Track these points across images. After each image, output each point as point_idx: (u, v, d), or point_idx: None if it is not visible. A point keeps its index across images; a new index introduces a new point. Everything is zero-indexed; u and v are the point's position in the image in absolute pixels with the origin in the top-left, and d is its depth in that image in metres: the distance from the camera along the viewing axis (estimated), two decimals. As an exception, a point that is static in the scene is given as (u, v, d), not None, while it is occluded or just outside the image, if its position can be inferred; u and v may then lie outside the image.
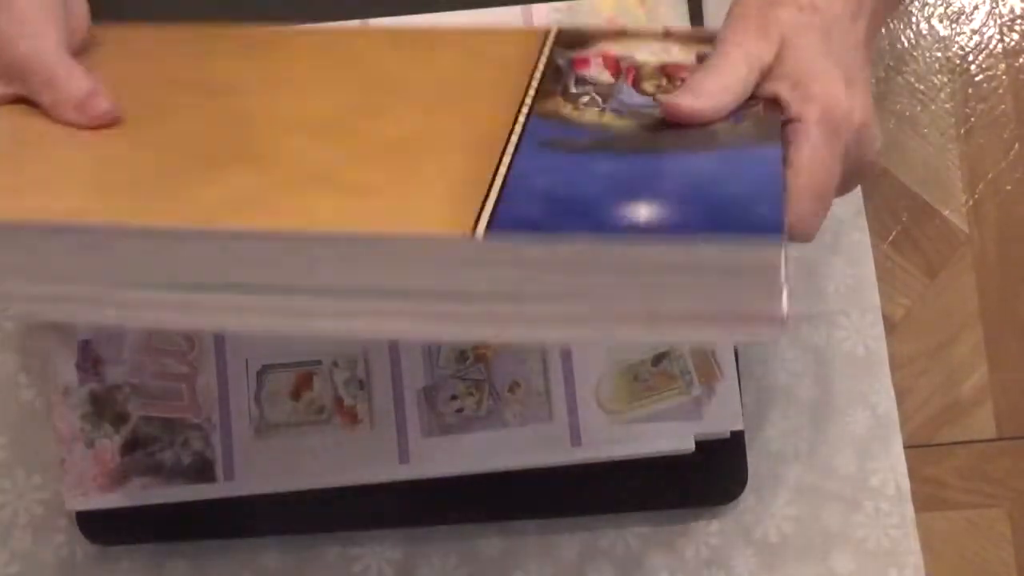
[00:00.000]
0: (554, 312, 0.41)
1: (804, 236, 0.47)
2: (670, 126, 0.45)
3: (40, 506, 0.66)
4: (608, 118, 0.46)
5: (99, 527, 0.65)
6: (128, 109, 0.48)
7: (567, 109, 0.47)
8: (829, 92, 0.46)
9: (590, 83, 0.49)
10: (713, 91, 0.46)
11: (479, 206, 0.39)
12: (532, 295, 0.40)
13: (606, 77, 0.49)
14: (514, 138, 0.44)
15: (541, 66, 0.49)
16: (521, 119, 0.46)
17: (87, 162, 0.47)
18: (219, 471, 0.63)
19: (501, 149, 0.43)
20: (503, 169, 0.42)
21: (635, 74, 0.49)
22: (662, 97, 0.46)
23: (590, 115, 0.46)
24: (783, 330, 0.40)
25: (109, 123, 0.48)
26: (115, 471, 0.63)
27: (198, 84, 0.50)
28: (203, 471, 0.63)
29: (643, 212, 0.39)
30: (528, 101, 0.47)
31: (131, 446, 0.63)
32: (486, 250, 0.39)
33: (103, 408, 0.64)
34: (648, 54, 0.50)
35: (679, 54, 0.50)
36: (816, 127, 0.46)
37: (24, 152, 0.47)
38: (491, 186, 0.41)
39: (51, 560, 0.66)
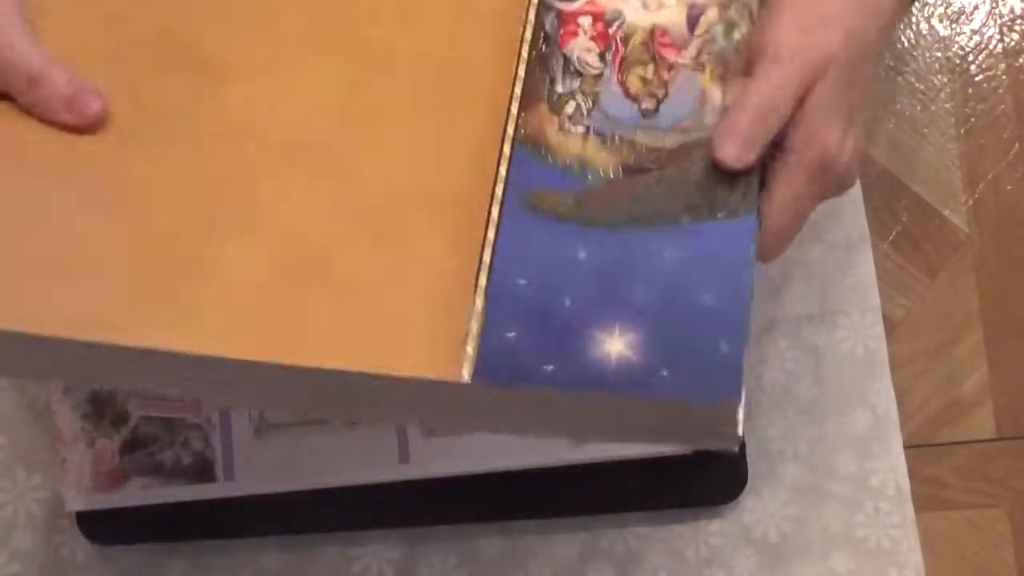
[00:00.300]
0: (524, 423, 0.45)
1: (770, 259, 0.48)
2: (645, 165, 0.45)
3: (40, 506, 0.66)
4: (591, 149, 0.46)
5: (99, 527, 0.65)
6: (115, 107, 0.47)
7: (552, 130, 0.46)
8: (831, 136, 0.46)
9: (576, 72, 0.48)
10: (755, 139, 0.45)
11: (464, 335, 0.42)
12: (505, 413, 0.44)
13: (592, 59, 0.48)
14: (498, 194, 0.45)
15: (529, 35, 0.49)
16: (507, 150, 0.46)
17: (80, 234, 0.45)
18: (219, 471, 0.63)
19: (485, 219, 0.44)
20: (486, 267, 0.43)
21: (622, 57, 0.48)
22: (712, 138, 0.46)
23: (574, 144, 0.46)
24: (739, 440, 0.43)
25: (99, 123, 0.47)
26: (115, 471, 0.63)
27: (184, 62, 0.49)
28: (203, 471, 0.63)
29: (610, 350, 0.41)
30: (514, 111, 0.46)
31: (131, 446, 0.63)
32: (470, 389, 0.42)
33: (103, 408, 0.64)
34: (638, 12, 0.49)
35: (671, 12, 0.49)
36: (806, 171, 0.46)
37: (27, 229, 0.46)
38: (475, 300, 0.43)
39: (51, 560, 0.66)
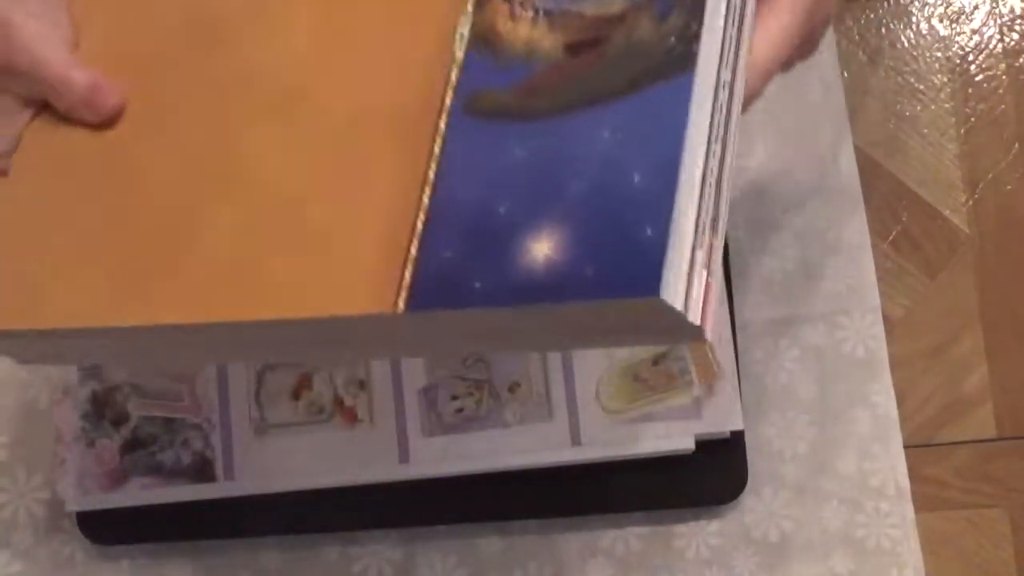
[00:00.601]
0: (473, 342, 0.44)
1: (751, 99, 0.46)
2: (591, 37, 0.43)
3: (40, 506, 0.66)
4: (539, 32, 0.44)
5: (99, 527, 0.65)
6: (126, 92, 0.48)
7: (503, 21, 0.45)
8: None
9: None
10: (762, 63, 0.45)
11: (402, 262, 0.41)
12: (452, 334, 0.44)
13: None
14: (447, 104, 0.43)
15: None
16: (459, 54, 0.44)
17: (94, 230, 0.47)
18: (219, 471, 0.63)
19: (432, 135, 0.43)
20: (429, 183, 0.43)
21: None
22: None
23: (522, 30, 0.44)
24: (707, 333, 0.40)
25: (118, 114, 0.48)
26: (115, 471, 0.63)
27: (184, 26, 0.49)
28: (203, 471, 0.63)
29: (538, 255, 0.40)
30: (470, 8, 0.45)
31: (131, 446, 0.63)
32: (407, 320, 0.41)
33: (103, 408, 0.64)
34: None
35: None
36: (800, 4, 0.45)
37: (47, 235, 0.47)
38: (417, 220, 0.42)
39: (51, 560, 0.66)
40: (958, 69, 0.70)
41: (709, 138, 0.41)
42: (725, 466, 0.64)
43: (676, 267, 0.38)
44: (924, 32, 0.70)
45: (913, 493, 0.64)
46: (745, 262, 0.67)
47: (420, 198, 0.42)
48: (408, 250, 0.41)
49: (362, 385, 0.63)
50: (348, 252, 0.43)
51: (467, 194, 0.42)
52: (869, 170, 0.68)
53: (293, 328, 0.43)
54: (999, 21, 0.70)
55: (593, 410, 0.63)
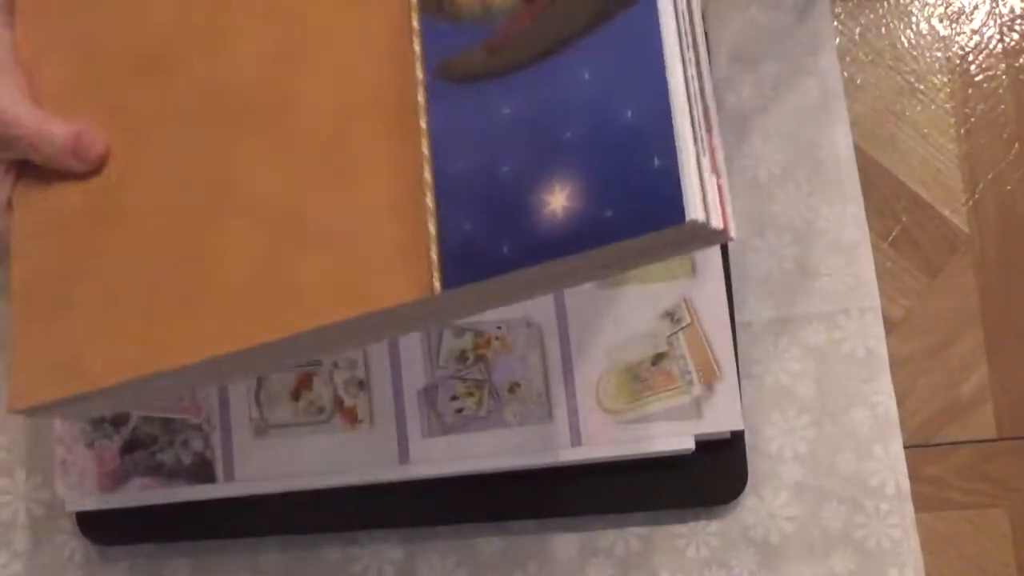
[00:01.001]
0: (510, 297, 0.44)
1: None
2: None
3: (40, 506, 0.66)
4: None
5: (99, 527, 0.65)
6: (109, 134, 0.48)
7: None
8: None
9: None
10: None
11: (425, 243, 0.41)
12: (490, 296, 0.43)
13: None
14: (420, 77, 0.43)
15: None
16: (416, 24, 0.44)
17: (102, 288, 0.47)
18: (219, 471, 0.63)
19: (415, 111, 0.43)
20: (426, 159, 0.42)
21: None
22: None
23: None
24: (731, 232, 0.40)
25: (105, 159, 0.48)
26: (115, 471, 0.63)
27: (134, 56, 0.49)
28: (203, 471, 0.63)
29: (555, 207, 0.40)
30: None
31: (131, 446, 0.63)
32: (445, 298, 0.41)
33: (103, 408, 0.64)
34: None
35: None
36: None
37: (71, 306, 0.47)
38: (426, 198, 0.42)
39: (51, 560, 0.66)
40: (958, 69, 0.70)
41: (682, 47, 0.41)
42: (725, 466, 0.64)
43: (691, 185, 0.38)
44: (924, 32, 0.70)
45: (913, 493, 0.64)
46: (745, 262, 0.67)
47: (422, 176, 0.42)
48: (427, 230, 0.41)
49: (362, 385, 0.63)
50: (367, 245, 0.43)
51: (467, 163, 0.41)
52: (869, 170, 0.68)
53: (330, 332, 0.43)
54: (999, 21, 0.70)
55: (593, 410, 0.63)
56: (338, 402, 0.63)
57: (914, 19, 0.70)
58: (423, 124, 0.43)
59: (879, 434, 0.65)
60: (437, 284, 0.41)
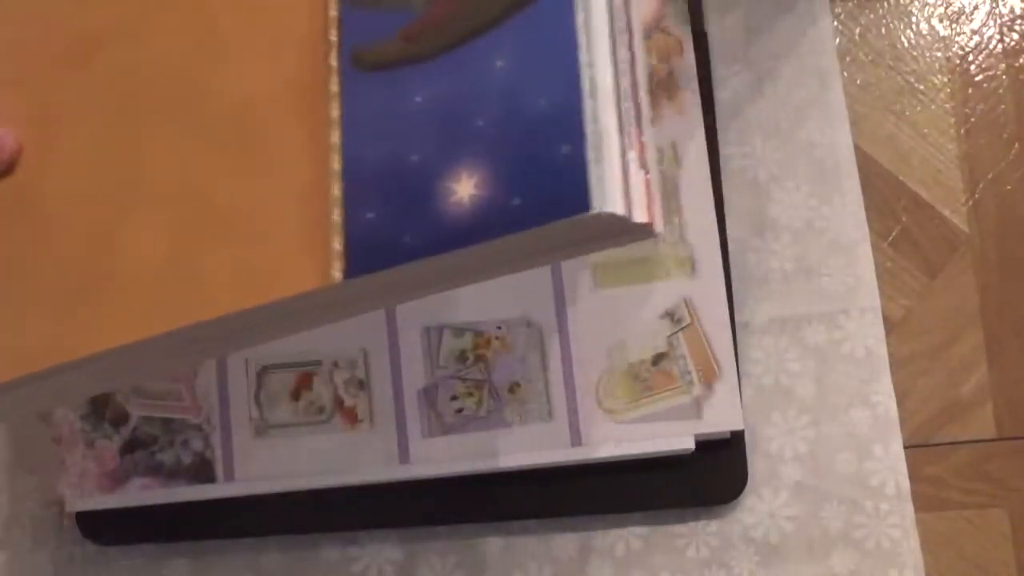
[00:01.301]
0: (416, 291, 0.43)
1: None
2: None
3: (40, 506, 0.66)
4: None
5: (99, 527, 0.65)
6: (19, 133, 0.47)
7: None
8: None
9: None
10: None
11: (328, 232, 0.40)
12: (395, 288, 0.43)
13: None
14: (334, 65, 0.42)
15: None
16: (333, 12, 0.43)
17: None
18: (219, 471, 0.63)
19: (328, 100, 0.42)
20: (335, 148, 0.42)
21: None
22: None
23: None
24: (657, 227, 0.40)
25: (19, 155, 0.47)
26: (115, 471, 0.63)
27: (52, 49, 0.48)
28: (203, 471, 0.63)
29: (462, 195, 0.39)
30: None
31: (131, 446, 0.63)
32: (347, 288, 0.41)
33: (103, 408, 0.64)
34: None
35: None
36: None
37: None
38: (332, 187, 0.41)
39: (51, 560, 0.66)
40: (958, 69, 0.70)
41: (613, 36, 0.40)
42: (725, 466, 0.64)
43: (605, 175, 0.37)
44: (924, 32, 0.70)
45: (913, 493, 0.64)
46: (745, 262, 0.67)
47: (330, 165, 0.41)
48: (332, 219, 0.41)
49: (362, 385, 0.63)
50: (272, 235, 0.42)
51: (376, 152, 0.41)
52: (869, 170, 0.68)
53: (233, 321, 0.43)
54: (999, 21, 0.70)
55: (593, 410, 0.63)
56: (338, 402, 0.63)
57: (914, 19, 0.70)
58: (335, 113, 0.42)
59: (879, 434, 0.65)
60: (338, 274, 0.40)
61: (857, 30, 0.70)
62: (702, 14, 0.68)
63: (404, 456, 0.63)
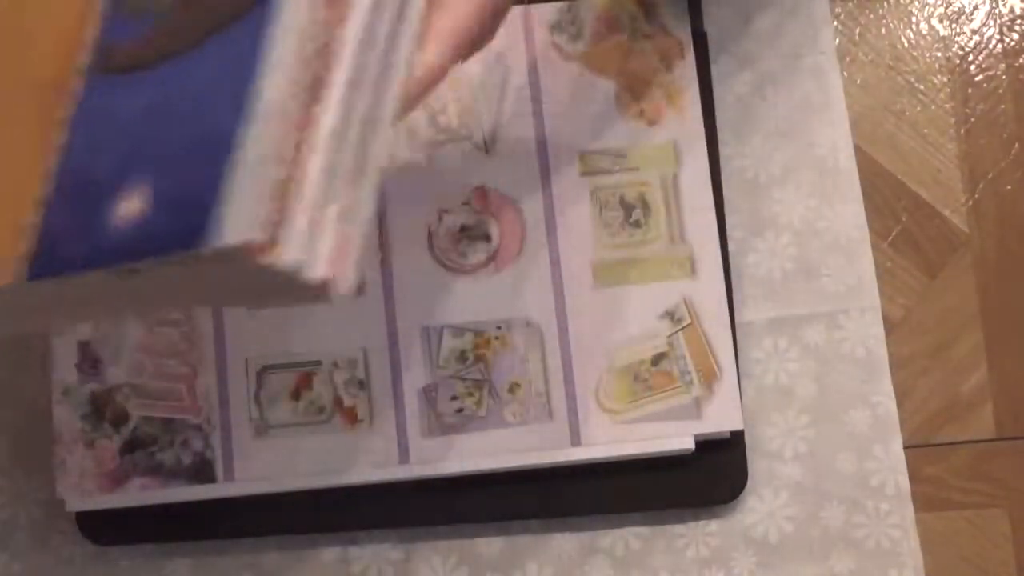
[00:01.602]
0: (96, 308, 0.42)
1: (413, 106, 0.42)
2: None
3: (40, 506, 0.66)
4: None
5: (99, 527, 0.65)
6: None
7: None
8: None
9: None
10: (446, 37, 0.41)
11: (21, 234, 0.40)
12: (76, 301, 0.42)
13: None
14: (80, 65, 0.42)
15: None
16: (99, 8, 0.42)
17: None
18: (219, 471, 0.63)
19: (66, 100, 0.41)
20: (56, 149, 0.41)
21: None
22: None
23: None
24: (337, 289, 0.38)
25: None
26: (115, 471, 0.63)
27: None
28: (203, 471, 0.63)
29: (128, 211, 0.38)
30: None
31: (131, 446, 0.63)
32: (31, 290, 0.40)
33: (103, 408, 0.64)
34: None
35: None
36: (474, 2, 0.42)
37: None
38: (40, 187, 0.40)
39: (51, 560, 0.66)
40: (958, 69, 0.70)
41: (352, 82, 0.39)
42: (725, 466, 0.64)
43: (242, 210, 0.36)
44: (924, 32, 0.70)
45: (913, 493, 0.64)
46: (745, 262, 0.67)
47: (47, 166, 0.40)
48: (30, 220, 0.40)
49: (362, 385, 0.63)
50: None
51: (85, 159, 0.40)
52: (869, 170, 0.68)
53: None
54: (999, 21, 0.70)
55: (593, 410, 0.63)
56: (338, 402, 0.63)
57: (914, 19, 0.70)
58: (64, 114, 0.41)
59: (879, 434, 0.65)
60: (17, 276, 0.39)
61: (857, 30, 0.70)
62: (702, 15, 0.68)
63: (404, 456, 0.63)
